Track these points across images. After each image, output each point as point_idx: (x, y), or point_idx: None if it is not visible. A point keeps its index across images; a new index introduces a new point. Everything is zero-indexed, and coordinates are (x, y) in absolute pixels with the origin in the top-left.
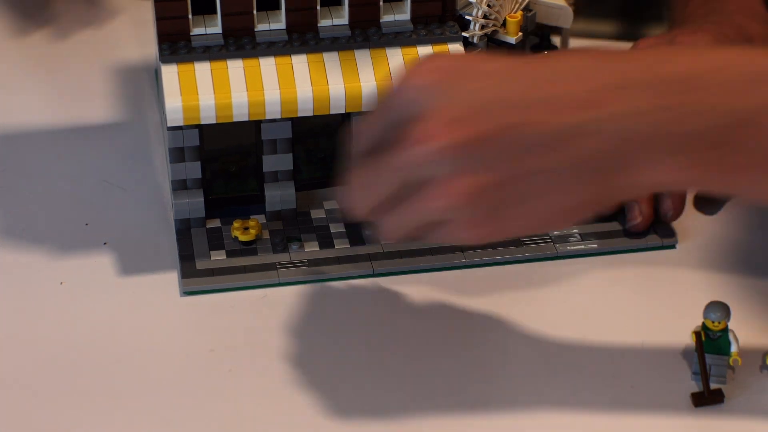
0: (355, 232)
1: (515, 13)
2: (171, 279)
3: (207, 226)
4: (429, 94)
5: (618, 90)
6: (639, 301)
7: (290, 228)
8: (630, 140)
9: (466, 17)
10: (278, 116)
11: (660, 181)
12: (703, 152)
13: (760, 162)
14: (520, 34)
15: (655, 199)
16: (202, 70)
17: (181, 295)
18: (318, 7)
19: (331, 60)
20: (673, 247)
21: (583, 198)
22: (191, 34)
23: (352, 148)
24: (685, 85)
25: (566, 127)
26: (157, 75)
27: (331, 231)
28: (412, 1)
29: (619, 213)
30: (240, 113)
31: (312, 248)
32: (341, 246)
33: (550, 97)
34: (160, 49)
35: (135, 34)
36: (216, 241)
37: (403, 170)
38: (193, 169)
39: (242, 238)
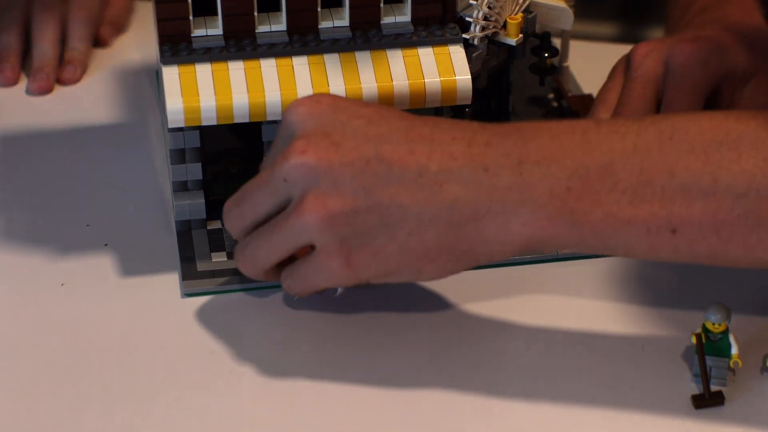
0: None
1: (516, 14)
2: (172, 280)
3: (208, 228)
4: (306, 119)
5: (485, 146)
6: (639, 303)
7: None
8: (487, 190)
9: (467, 19)
10: (279, 118)
11: (521, 232)
12: (559, 205)
13: (616, 217)
14: (521, 35)
15: None
16: (203, 71)
17: (181, 297)
18: (319, 9)
19: (332, 61)
20: None
21: (437, 244)
22: (192, 35)
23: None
24: (544, 145)
25: (426, 170)
26: (158, 76)
27: None
28: (412, 3)
29: None
30: (241, 115)
31: None
32: None
33: (419, 140)
34: (161, 51)
35: (136, 35)
36: (217, 242)
37: (272, 183)
38: (194, 171)
39: None
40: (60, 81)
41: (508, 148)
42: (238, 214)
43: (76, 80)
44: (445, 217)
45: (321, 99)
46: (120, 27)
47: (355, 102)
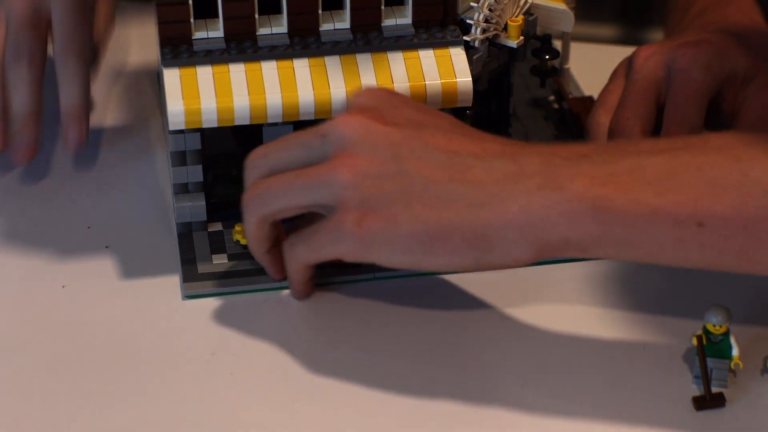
0: None
1: (516, 17)
2: (172, 282)
3: (209, 230)
4: (362, 99)
5: (520, 146)
6: (640, 305)
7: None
8: (514, 177)
9: (468, 21)
10: (280, 120)
11: (542, 218)
12: (582, 190)
13: (641, 206)
14: (522, 38)
15: None
16: (204, 73)
17: (182, 299)
18: (320, 11)
19: (333, 64)
20: None
21: (451, 222)
22: (193, 38)
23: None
24: (573, 147)
25: (458, 154)
26: (159, 78)
27: None
28: (413, 5)
29: None
30: (242, 117)
31: None
32: None
33: (458, 133)
34: (162, 53)
35: (137, 37)
36: (218, 244)
37: (309, 136)
38: (195, 173)
39: (244, 241)
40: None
41: (542, 148)
42: (263, 160)
43: (83, 139)
44: (466, 196)
45: (381, 89)
46: (101, 56)
47: (411, 98)
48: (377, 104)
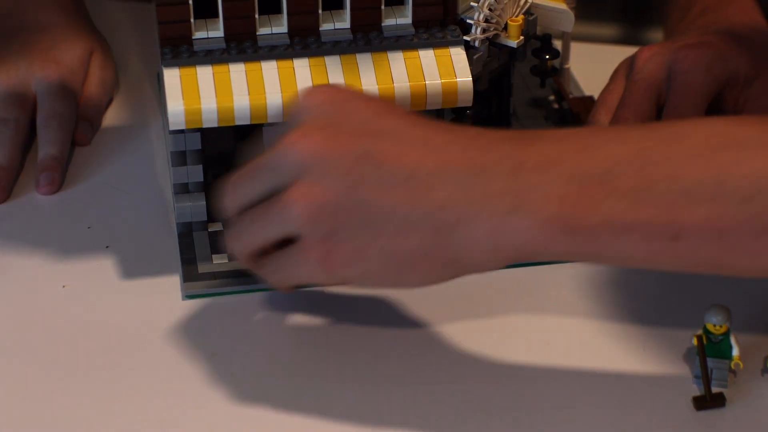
0: None
1: (516, 16)
2: (173, 282)
3: (209, 230)
4: (314, 106)
5: (482, 150)
6: (640, 305)
7: None
8: (480, 193)
9: (468, 21)
10: (280, 120)
11: (511, 240)
12: (554, 210)
13: (613, 223)
14: (522, 37)
15: None
16: (204, 73)
17: (182, 299)
18: (320, 11)
19: (333, 64)
20: None
21: (421, 249)
22: (193, 38)
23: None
24: (544, 150)
25: (417, 172)
26: (159, 79)
27: None
28: (413, 5)
29: None
30: (242, 117)
31: None
32: None
33: (415, 142)
34: (162, 53)
35: (137, 37)
36: (218, 244)
37: (266, 167)
38: (195, 173)
39: None
40: (38, 190)
41: (505, 152)
42: (234, 195)
43: (55, 188)
44: (432, 221)
45: (333, 88)
46: (95, 124)
47: (367, 94)
48: (328, 111)
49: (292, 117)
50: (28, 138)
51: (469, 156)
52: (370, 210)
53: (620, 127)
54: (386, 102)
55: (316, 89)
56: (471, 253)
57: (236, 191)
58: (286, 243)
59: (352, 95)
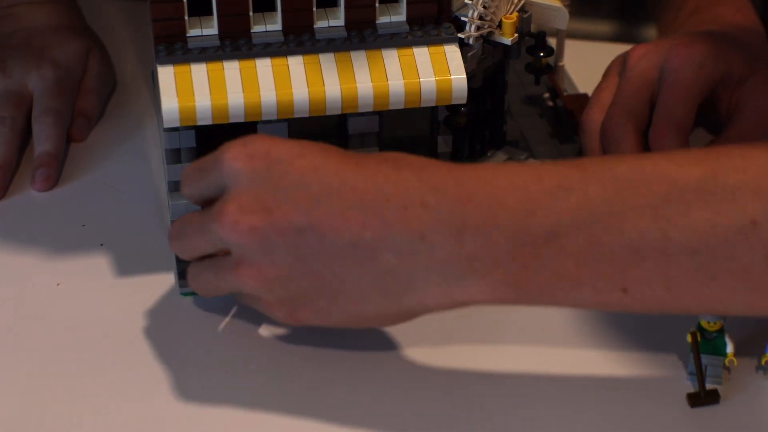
0: None
1: (511, 14)
2: (168, 280)
3: None
4: (240, 176)
5: (421, 208)
6: None
7: None
8: (425, 260)
9: (462, 18)
10: (274, 117)
11: (463, 300)
12: (503, 274)
13: (563, 279)
14: (516, 35)
15: None
16: (199, 71)
17: (177, 297)
18: (314, 9)
19: (328, 61)
20: None
21: (377, 311)
22: (187, 35)
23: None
24: (484, 207)
25: (360, 239)
26: (153, 76)
27: None
28: (408, 3)
29: None
30: (236, 114)
31: None
32: None
33: (352, 203)
34: (157, 51)
35: (131, 36)
36: None
37: (209, 235)
38: None
39: None
40: (33, 187)
41: (445, 212)
42: (180, 246)
43: (50, 185)
44: (381, 287)
45: (255, 152)
46: (92, 120)
47: (291, 148)
48: (256, 186)
49: (213, 177)
50: (25, 136)
51: (409, 216)
52: (323, 276)
53: (559, 170)
54: (308, 150)
55: (234, 155)
56: (425, 308)
57: (182, 246)
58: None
59: (273, 156)
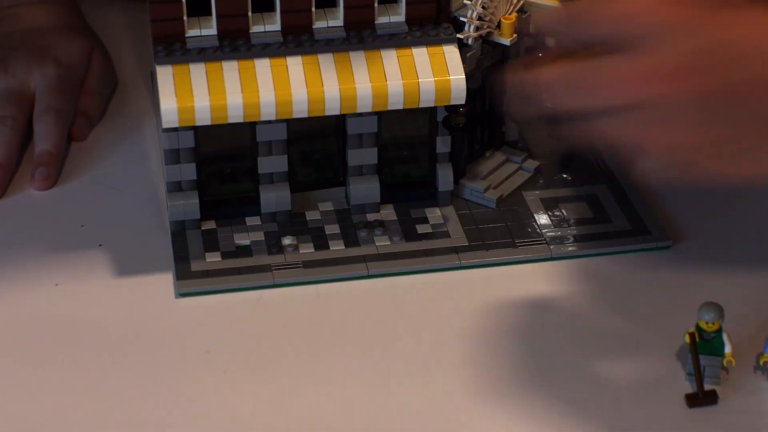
0: (351, 233)
1: (510, 14)
2: (166, 280)
3: (202, 228)
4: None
5: None
6: (633, 302)
7: (285, 229)
8: None
9: (461, 19)
10: (273, 118)
11: None
12: None
13: None
14: (515, 35)
15: None
16: (198, 71)
17: (176, 297)
18: (313, 9)
19: (326, 61)
20: (667, 248)
21: None
22: (186, 35)
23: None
24: None
25: None
26: (152, 77)
27: (326, 233)
28: (406, 3)
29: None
30: (235, 115)
31: (307, 250)
32: (336, 248)
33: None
34: (156, 51)
35: (131, 37)
36: (211, 242)
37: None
38: (189, 171)
39: None
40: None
41: None
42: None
43: (50, 183)
44: None
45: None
46: (93, 120)
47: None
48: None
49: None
50: (26, 136)
51: None
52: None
53: None
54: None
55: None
56: None
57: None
58: None
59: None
